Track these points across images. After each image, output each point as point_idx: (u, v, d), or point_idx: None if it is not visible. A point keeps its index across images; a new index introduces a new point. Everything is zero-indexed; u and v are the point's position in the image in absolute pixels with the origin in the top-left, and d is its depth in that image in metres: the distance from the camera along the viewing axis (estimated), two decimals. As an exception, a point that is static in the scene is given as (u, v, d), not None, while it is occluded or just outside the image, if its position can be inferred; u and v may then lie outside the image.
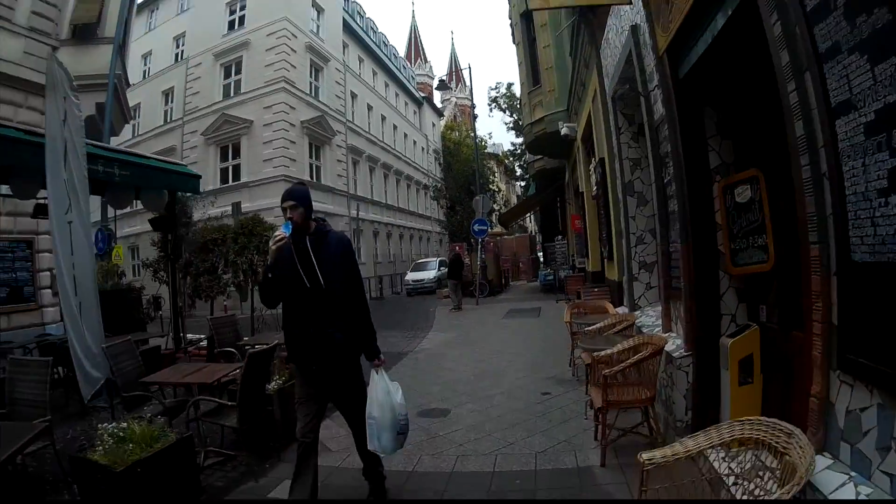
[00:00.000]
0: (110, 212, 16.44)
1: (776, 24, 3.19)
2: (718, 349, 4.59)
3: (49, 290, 12.25)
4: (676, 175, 5.42)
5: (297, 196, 4.37)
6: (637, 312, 8.32)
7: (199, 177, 10.17)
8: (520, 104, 22.55)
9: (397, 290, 35.23)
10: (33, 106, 11.83)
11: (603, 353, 5.50)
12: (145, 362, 7.03)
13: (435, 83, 67.65)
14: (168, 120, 33.77)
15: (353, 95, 38.79)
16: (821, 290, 2.94)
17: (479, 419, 6.97)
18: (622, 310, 9.27)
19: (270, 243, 4.13)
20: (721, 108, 5.25)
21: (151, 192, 9.38)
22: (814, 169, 2.95)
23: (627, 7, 7.07)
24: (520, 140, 45.90)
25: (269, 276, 4.28)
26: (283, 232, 4.08)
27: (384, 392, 4.47)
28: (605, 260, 12.00)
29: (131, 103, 34.16)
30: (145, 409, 6.01)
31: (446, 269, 32.72)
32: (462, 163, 41.72)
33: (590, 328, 7.77)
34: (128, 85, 19.44)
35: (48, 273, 12.10)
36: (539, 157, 25.79)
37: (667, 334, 6.03)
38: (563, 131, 16.31)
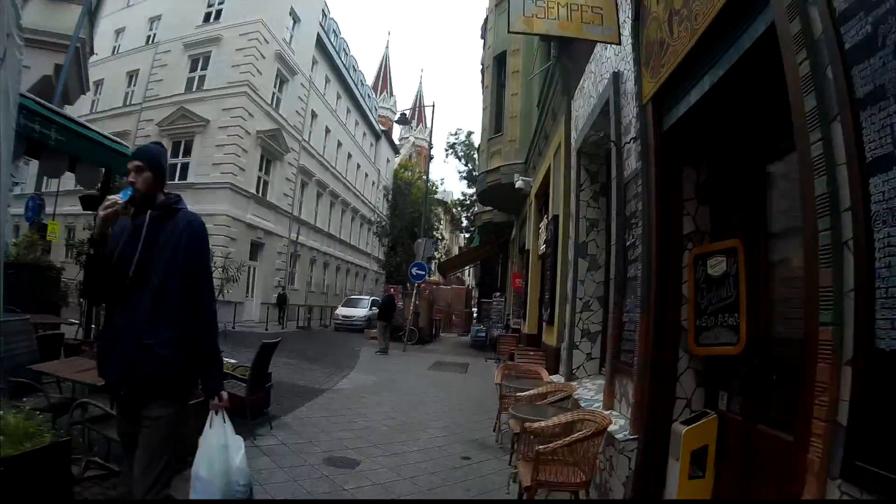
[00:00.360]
0: (52, 185, 15.37)
1: (803, 64, 2.70)
2: (669, 436, 4.05)
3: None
4: (644, 237, 4.94)
5: (147, 156, 3.26)
6: (574, 383, 7.76)
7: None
8: (478, 152, 22.23)
9: (326, 323, 34.26)
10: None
11: (537, 424, 4.89)
12: (44, 349, 6.24)
13: (396, 117, 68.03)
14: (127, 102, 32.38)
15: (314, 115, 38.13)
16: (828, 382, 2.39)
17: (391, 477, 6.19)
18: (557, 378, 8.73)
19: (99, 209, 2.93)
20: (702, 169, 4.79)
21: (86, 166, 8.71)
22: (834, 235, 2.42)
23: (611, 53, 6.65)
24: (470, 191, 46.54)
25: (93, 252, 3.09)
26: (119, 198, 2.99)
27: (220, 447, 3.29)
28: (545, 323, 11.46)
29: (94, 78, 32.97)
30: (25, 401, 5.11)
31: (377, 310, 32.26)
32: (410, 203, 41.18)
33: (522, 394, 7.10)
34: (92, 54, 18.37)
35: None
36: (488, 208, 25.40)
37: (608, 412, 5.47)
38: (518, 184, 15.91)
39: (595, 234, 8.44)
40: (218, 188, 27.60)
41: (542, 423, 4.90)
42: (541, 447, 4.40)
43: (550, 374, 8.85)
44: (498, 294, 24.79)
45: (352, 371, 14.57)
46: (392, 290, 28.19)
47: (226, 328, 23.55)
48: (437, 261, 39.38)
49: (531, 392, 7.04)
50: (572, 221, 8.89)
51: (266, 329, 25.67)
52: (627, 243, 5.81)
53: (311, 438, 7.56)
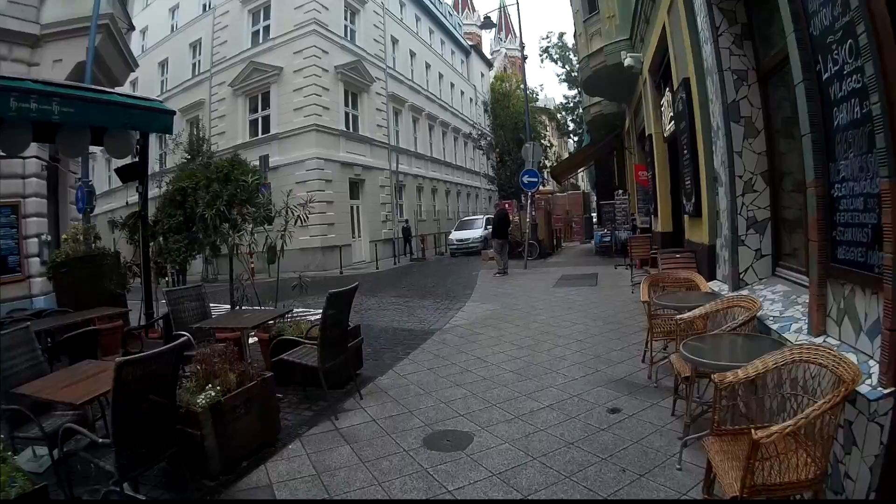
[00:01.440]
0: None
1: None
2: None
3: (37, 259, 11.33)
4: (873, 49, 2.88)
5: None
6: (748, 292, 5.78)
7: (172, 112, 7.90)
8: (575, 39, 19.59)
9: (442, 251, 32.90)
10: (18, 58, 11.52)
11: (734, 375, 3.03)
12: (81, 347, 5.66)
13: (483, 34, 64.78)
14: (196, 73, 31.96)
15: (395, 41, 36.08)
16: None
17: (514, 457, 4.54)
18: (718, 286, 6.76)
19: None
20: None
21: (115, 135, 7.31)
22: None
23: None
24: (572, 93, 44.91)
25: None
26: None
27: None
28: (687, 217, 9.31)
29: (158, 59, 34.28)
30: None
31: (490, 228, 30.54)
32: (511, 115, 38.49)
33: (683, 315, 5.10)
34: (131, 29, 17.58)
35: (35, 240, 11.40)
36: (596, 100, 22.91)
37: (821, 340, 3.54)
38: (627, 62, 13.60)
39: (746, 89, 6.28)
40: (303, 132, 26.59)
41: (744, 373, 3.04)
42: (762, 434, 2.52)
43: (708, 282, 6.85)
44: (620, 192, 22.27)
45: (468, 301, 13.05)
46: (505, 205, 26.27)
47: (320, 276, 22.57)
48: (548, 168, 36.90)
49: (696, 312, 5.04)
50: (712, 79, 6.74)
51: (377, 268, 24.48)
52: (827, 75, 3.69)
53: (411, 407, 6.03)
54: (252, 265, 24.99)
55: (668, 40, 9.77)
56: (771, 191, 6.16)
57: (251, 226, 9.20)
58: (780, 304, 5.12)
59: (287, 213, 9.19)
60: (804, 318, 4.43)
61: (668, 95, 10.62)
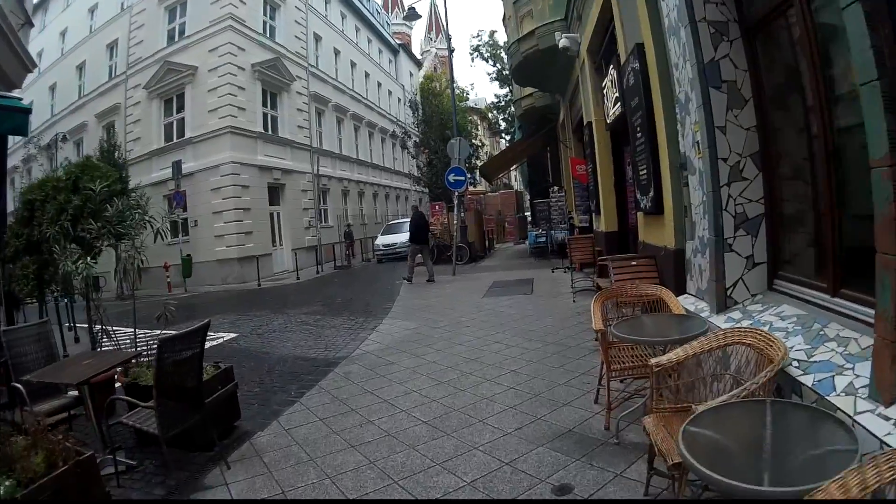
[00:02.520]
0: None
1: None
2: None
3: None
4: None
5: None
6: (734, 313, 4.28)
7: (26, 111, 6.02)
8: (504, 23, 17.92)
9: (369, 257, 31.02)
10: None
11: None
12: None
13: (413, 34, 63.35)
14: (112, 76, 29.39)
15: (318, 38, 33.99)
16: None
17: None
18: (694, 303, 5.24)
19: None
20: None
21: None
22: None
23: None
24: (503, 91, 44.45)
25: None
26: None
27: None
28: (643, 214, 7.64)
29: (76, 62, 31.65)
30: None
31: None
32: (441, 114, 36.67)
33: (660, 360, 3.46)
34: (28, 25, 15.43)
35: None
36: (527, 92, 21.39)
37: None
38: (562, 43, 12.09)
39: (727, 46, 4.73)
40: (218, 135, 24.52)
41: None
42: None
43: (678, 298, 5.28)
44: (556, 189, 20.64)
45: (385, 317, 11.27)
46: (417, 206, 24.64)
47: (237, 289, 20.78)
48: (477, 167, 35.33)
49: (678, 354, 3.46)
50: (678, 38, 5.22)
51: (298, 278, 22.56)
52: None
53: (287, 484, 4.37)
54: (168, 278, 23.11)
55: (612, 6, 8.24)
56: (765, 178, 4.63)
57: (103, 243, 7.24)
58: (801, 339, 3.60)
59: (150, 226, 7.27)
60: (849, 364, 2.93)
61: (611, 75, 9.11)
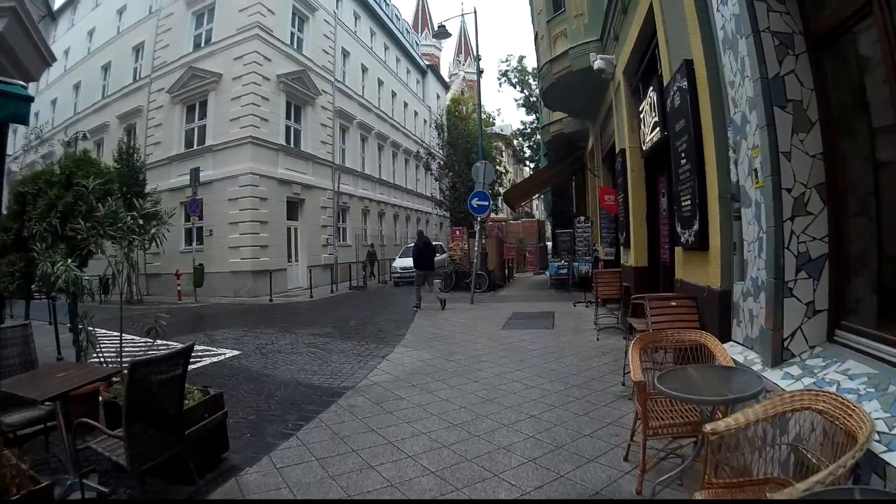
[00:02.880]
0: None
1: None
2: None
3: None
4: None
5: None
6: (792, 369, 3.69)
7: (29, 98, 5.53)
8: (536, 43, 17.22)
9: (386, 279, 30.43)
10: None
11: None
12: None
13: (442, 56, 63.13)
14: (136, 78, 29.40)
15: (346, 53, 33.76)
16: None
17: None
18: (742, 353, 4.61)
19: None
20: None
21: None
22: None
23: None
24: (530, 118, 43.78)
25: None
26: None
27: None
28: (682, 250, 6.92)
29: (101, 63, 31.84)
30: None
31: (438, 256, 28.19)
32: (465, 136, 35.94)
33: (717, 426, 2.83)
34: (49, 18, 15.20)
35: None
36: (556, 117, 20.77)
37: None
38: (597, 64, 11.51)
39: (793, 60, 4.14)
40: (239, 145, 24.16)
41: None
42: None
43: (725, 344, 4.63)
44: (582, 220, 19.89)
45: (397, 345, 10.66)
46: (423, 232, 24.02)
47: (248, 302, 20.29)
48: (501, 195, 34.67)
49: (738, 420, 2.88)
50: (735, 52, 4.64)
51: (311, 296, 21.99)
52: None
53: None
54: (179, 286, 22.69)
55: (656, 21, 7.65)
56: (829, 213, 4.02)
57: (92, 245, 6.70)
58: (878, 405, 3.02)
59: (140, 230, 6.75)
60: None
61: (650, 98, 8.52)
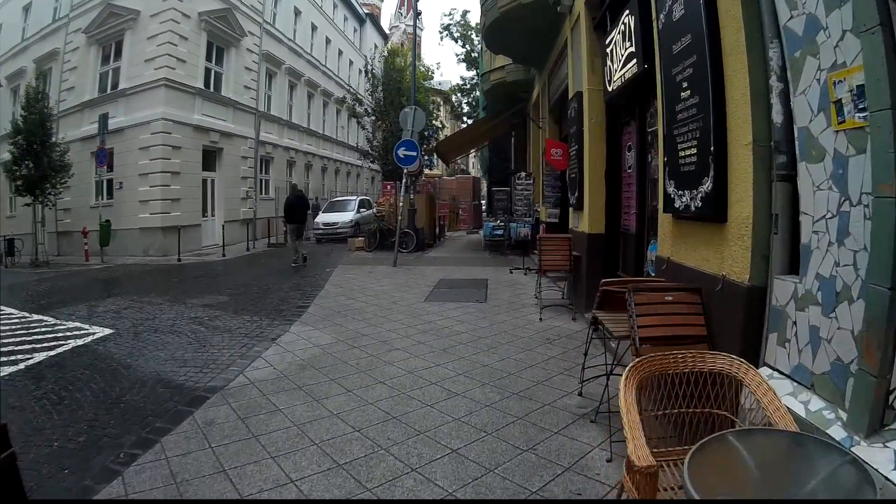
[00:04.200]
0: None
1: None
2: None
3: None
4: None
5: None
6: None
7: None
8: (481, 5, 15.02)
9: (309, 235, 28.19)
10: None
11: None
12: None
13: (384, 6, 60.14)
14: (55, 18, 26.34)
15: (277, -6, 30.97)
16: None
17: None
18: (790, 394, 2.86)
19: None
20: None
21: None
22: None
23: None
24: (470, 74, 43.68)
25: None
26: None
27: None
28: (673, 218, 4.92)
29: (24, 2, 28.44)
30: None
31: (364, 211, 26.35)
32: (400, 85, 33.21)
33: None
34: None
35: None
36: (498, 63, 18.63)
37: None
38: (556, -6, 9.57)
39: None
40: (152, 88, 21.62)
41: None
42: None
43: (765, 382, 2.83)
44: (524, 176, 17.70)
45: (295, 323, 8.68)
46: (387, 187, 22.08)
47: (155, 262, 18.14)
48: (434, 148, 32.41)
49: None
50: None
51: (223, 255, 19.82)
52: None
53: None
54: (86, 245, 20.26)
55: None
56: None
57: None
58: None
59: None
60: None
61: (624, 25, 6.57)
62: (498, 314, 8.97)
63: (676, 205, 4.52)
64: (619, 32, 6.86)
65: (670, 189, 4.65)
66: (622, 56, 6.70)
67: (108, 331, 8.60)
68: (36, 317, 9.93)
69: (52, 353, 7.41)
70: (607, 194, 8.37)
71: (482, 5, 14.34)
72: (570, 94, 9.80)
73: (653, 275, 5.79)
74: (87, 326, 8.93)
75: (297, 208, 16.94)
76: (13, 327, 9.06)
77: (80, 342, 7.94)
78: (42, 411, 5.31)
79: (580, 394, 5.20)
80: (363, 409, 5.00)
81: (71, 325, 9.11)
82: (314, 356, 6.75)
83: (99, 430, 4.85)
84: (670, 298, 3.88)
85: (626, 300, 3.84)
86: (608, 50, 7.40)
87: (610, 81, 7.36)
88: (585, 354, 5.22)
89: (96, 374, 6.46)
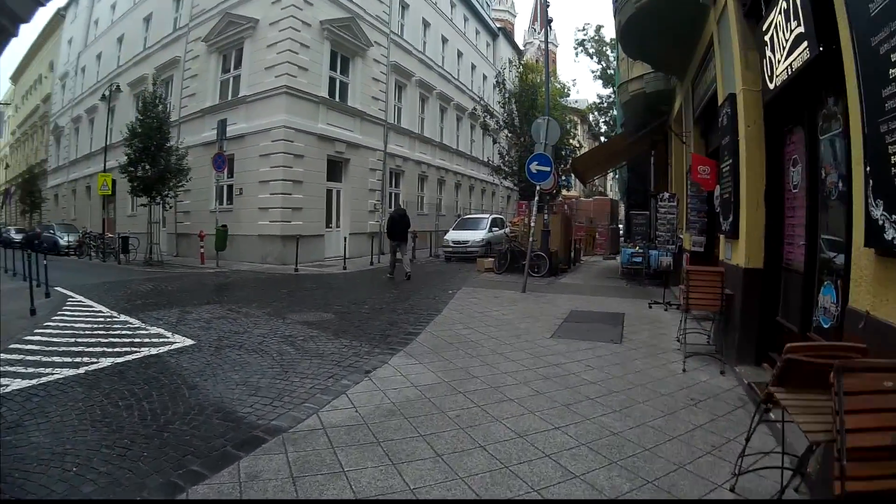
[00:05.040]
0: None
1: None
2: None
3: None
4: None
5: None
6: None
7: None
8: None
9: (437, 253, 27.33)
10: None
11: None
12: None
13: (516, 22, 59.64)
14: (175, 28, 28.01)
15: (404, 5, 30.85)
16: None
17: None
18: None
19: None
20: None
21: None
22: None
23: None
24: (606, 92, 42.19)
25: None
26: None
27: None
28: (880, 255, 3.51)
29: (143, 14, 30.58)
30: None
31: (497, 231, 25.40)
32: (539, 109, 31.71)
33: None
34: None
35: None
36: (636, 73, 17.00)
37: None
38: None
39: None
40: (272, 95, 21.92)
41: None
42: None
43: None
44: (668, 197, 15.60)
45: (398, 353, 7.74)
46: (522, 206, 21.14)
47: (269, 271, 17.79)
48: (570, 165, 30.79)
49: None
50: None
51: (344, 268, 19.36)
52: None
53: None
54: (202, 249, 20.51)
55: None
56: None
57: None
58: None
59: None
60: None
61: (785, 2, 5.28)
62: (634, 360, 7.64)
63: (888, 235, 3.18)
64: (779, 12, 5.50)
65: (877, 213, 3.30)
66: (786, 41, 5.34)
67: (189, 341, 8.20)
68: (122, 317, 9.87)
69: (119, 359, 7.16)
70: (767, 220, 6.89)
71: (614, 4, 13.00)
72: (721, 99, 8.36)
73: (825, 326, 4.45)
74: (168, 334, 8.62)
75: (399, 225, 17.12)
76: (95, 327, 9.06)
77: (153, 350, 7.58)
78: (77, 427, 4.82)
79: (732, 489, 3.86)
80: (448, 486, 3.91)
81: (154, 330, 8.88)
82: (408, 400, 5.76)
83: (127, 463, 4.18)
84: (890, 384, 2.54)
85: (815, 376, 2.56)
86: (766, 38, 6.02)
87: (771, 77, 5.96)
88: (747, 441, 3.90)
89: (154, 390, 5.94)
